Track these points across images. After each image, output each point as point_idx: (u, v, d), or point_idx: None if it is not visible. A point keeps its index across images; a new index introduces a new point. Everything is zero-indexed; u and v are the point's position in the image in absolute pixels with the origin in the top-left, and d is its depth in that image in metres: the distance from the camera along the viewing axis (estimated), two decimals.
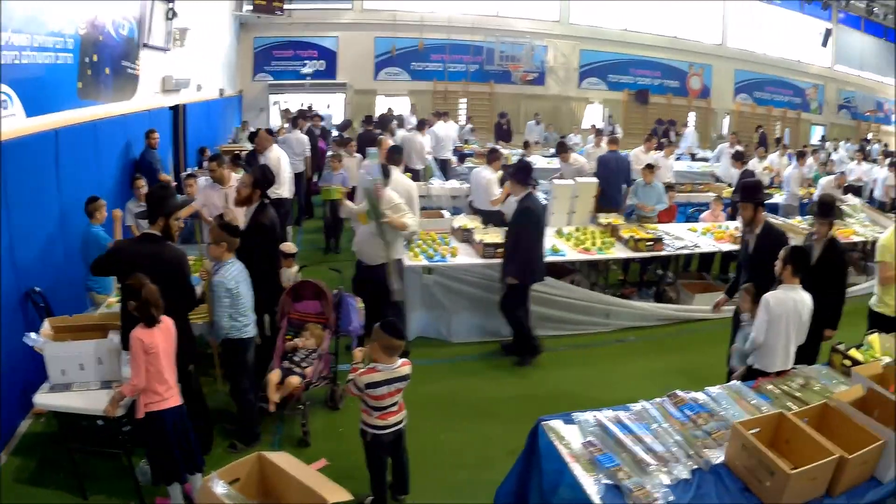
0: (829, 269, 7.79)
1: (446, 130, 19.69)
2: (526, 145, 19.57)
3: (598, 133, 18.57)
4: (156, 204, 6.40)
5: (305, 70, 25.47)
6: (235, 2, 22.65)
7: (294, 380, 7.21)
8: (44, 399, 6.13)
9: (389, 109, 23.30)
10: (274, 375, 7.27)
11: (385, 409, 5.85)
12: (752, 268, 7.72)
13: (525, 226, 9.24)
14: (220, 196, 9.67)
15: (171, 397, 5.75)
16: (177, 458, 5.80)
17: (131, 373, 5.60)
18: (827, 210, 8.01)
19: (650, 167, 13.50)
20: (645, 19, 29.40)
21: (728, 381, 6.93)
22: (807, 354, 7.32)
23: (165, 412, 5.69)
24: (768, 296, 6.61)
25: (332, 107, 25.49)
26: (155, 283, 5.64)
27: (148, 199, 6.60)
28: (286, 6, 22.70)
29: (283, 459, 4.89)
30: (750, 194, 8.08)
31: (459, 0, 26.39)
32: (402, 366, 5.84)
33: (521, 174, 9.39)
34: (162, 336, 5.64)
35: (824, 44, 32.18)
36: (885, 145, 31.69)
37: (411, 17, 25.94)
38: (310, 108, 22.20)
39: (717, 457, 5.06)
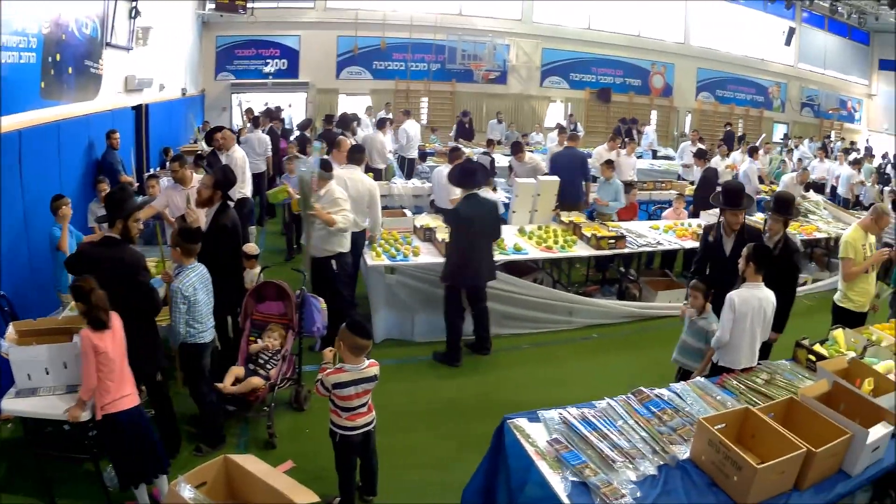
0: (782, 267, 7.76)
1: (414, 129, 19.70)
2: (489, 143, 19.62)
3: (562, 131, 18.60)
4: (114, 206, 6.35)
5: (267, 69, 25.27)
6: (198, 1, 22.48)
7: (255, 380, 7.19)
8: (10, 405, 6.01)
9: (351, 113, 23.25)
10: (235, 369, 7.29)
11: (354, 409, 5.83)
12: (734, 271, 7.65)
13: (455, 229, 9.22)
14: (183, 197, 9.55)
15: (127, 399, 5.70)
16: (138, 459, 5.75)
17: (83, 374, 5.55)
18: (784, 207, 8.01)
19: (609, 163, 13.61)
20: (607, 18, 29.51)
21: (677, 379, 6.98)
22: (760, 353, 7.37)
23: (121, 414, 5.65)
24: (733, 294, 6.65)
25: (292, 106, 25.32)
26: (116, 287, 5.63)
27: (106, 202, 6.52)
28: (249, 5, 22.51)
29: (249, 462, 4.85)
30: (736, 200, 8.02)
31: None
32: (370, 366, 5.82)
33: (463, 177, 9.35)
34: (112, 339, 5.59)
35: (788, 42, 32.45)
36: (852, 143, 32.10)
37: (374, 17, 25.81)
38: (278, 108, 22.07)
39: (683, 452, 5.09)
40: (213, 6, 22.45)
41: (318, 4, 25.47)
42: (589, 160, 15.08)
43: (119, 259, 6.08)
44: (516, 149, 14.91)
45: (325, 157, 9.95)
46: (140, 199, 7.17)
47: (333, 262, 9.16)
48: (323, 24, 25.50)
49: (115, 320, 5.68)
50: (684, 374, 7.32)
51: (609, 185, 13.52)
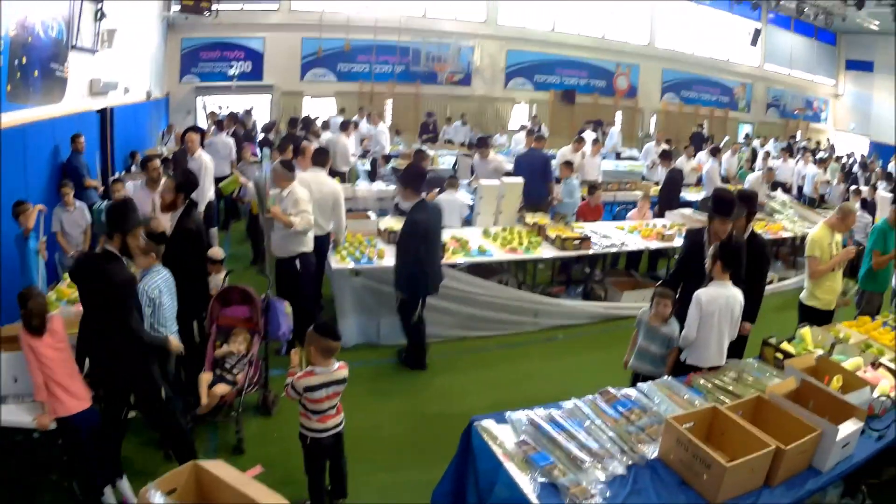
0: (753, 260, 7.63)
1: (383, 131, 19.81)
2: (450, 143, 19.72)
3: (530, 133, 18.63)
4: (116, 219, 5.98)
5: (232, 71, 25.10)
6: (163, 2, 22.28)
7: (220, 388, 7.14)
8: None
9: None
10: (205, 376, 7.23)
11: (324, 412, 5.83)
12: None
13: (413, 238, 8.98)
14: (149, 202, 9.48)
15: (77, 402, 5.67)
16: (96, 465, 5.69)
17: (31, 378, 5.51)
18: (723, 207, 7.48)
19: (567, 164, 13.69)
20: (572, 20, 29.69)
21: (633, 383, 6.97)
22: (734, 350, 7.37)
23: (73, 417, 5.64)
24: (700, 292, 6.65)
25: (254, 109, 25.20)
26: (103, 308, 5.61)
27: (108, 214, 6.17)
28: (214, 6, 22.30)
29: (219, 468, 4.80)
30: (727, 209, 7.51)
31: (387, 0, 26.27)
32: (339, 369, 5.85)
33: (414, 181, 9.15)
34: (51, 344, 5.58)
35: (754, 43, 32.81)
36: (818, 143, 32.51)
37: (338, 18, 25.72)
38: (247, 111, 21.99)
39: (651, 452, 5.09)
40: (178, 7, 22.22)
41: (283, 6, 25.37)
42: (553, 161, 15.09)
43: (110, 277, 5.76)
44: (482, 144, 14.88)
45: (287, 159, 9.89)
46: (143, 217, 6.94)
47: (297, 262, 9.12)
48: (287, 26, 25.41)
49: (57, 325, 5.68)
50: (642, 381, 7.22)
51: (565, 184, 13.66)
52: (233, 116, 19.51)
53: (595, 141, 19.49)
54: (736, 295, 6.69)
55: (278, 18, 25.35)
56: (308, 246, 9.27)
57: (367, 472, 6.88)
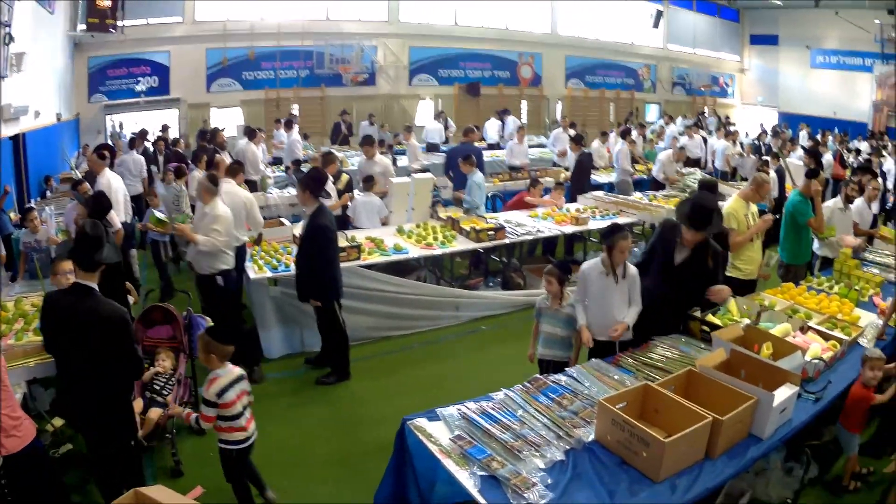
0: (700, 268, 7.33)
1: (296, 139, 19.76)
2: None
3: (469, 131, 18.63)
4: (90, 249, 5.62)
5: (139, 87, 24.65)
6: (70, 22, 21.79)
7: (154, 413, 7.00)
8: None
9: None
10: (137, 404, 7.02)
11: (240, 415, 5.91)
12: (681, 282, 7.24)
13: (324, 243, 8.82)
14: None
15: (17, 439, 5.44)
16: (42, 498, 5.52)
17: None
18: (700, 222, 7.04)
19: (466, 158, 13.58)
20: (474, 13, 29.91)
21: (542, 371, 7.07)
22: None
23: (17, 454, 5.36)
24: (584, 267, 6.90)
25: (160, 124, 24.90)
26: (90, 346, 5.36)
27: (83, 243, 5.69)
28: (119, 23, 21.84)
29: (160, 493, 4.71)
30: (703, 224, 6.96)
31: (289, 2, 26.12)
32: (234, 368, 6.01)
33: (312, 185, 8.91)
34: None
35: (656, 25, 33.52)
36: (727, 117, 33.24)
37: (242, 27, 25.47)
38: (164, 127, 21.67)
39: (588, 435, 5.10)
40: (83, 27, 21.77)
41: (187, 18, 24.99)
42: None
43: (93, 312, 5.45)
44: (367, 141, 14.52)
45: (212, 173, 9.76)
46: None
47: (219, 278, 8.98)
48: (192, 38, 25.03)
49: None
50: (555, 368, 7.06)
51: (469, 179, 13.50)
52: (143, 134, 19.15)
53: (520, 128, 19.93)
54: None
55: (182, 31, 24.94)
56: (229, 263, 9.15)
57: (304, 483, 6.90)
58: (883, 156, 18.99)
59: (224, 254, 9.01)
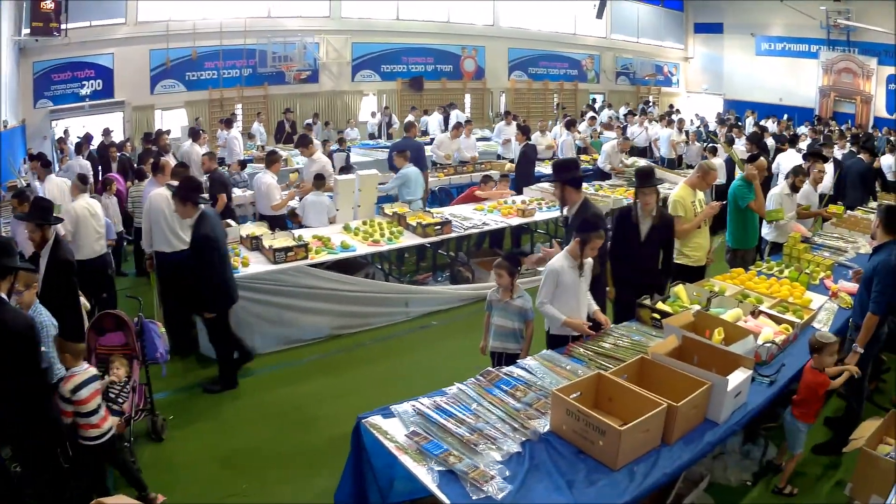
0: (665, 231, 8.17)
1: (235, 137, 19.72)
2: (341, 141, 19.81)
3: (411, 126, 18.60)
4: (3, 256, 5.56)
5: (84, 91, 24.29)
6: (14, 26, 21.42)
7: (111, 422, 6.91)
8: None
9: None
10: None
11: (95, 412, 6.02)
12: (647, 256, 7.96)
13: (211, 253, 8.62)
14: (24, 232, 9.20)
15: None
16: None
17: None
18: (647, 178, 8.28)
19: (401, 153, 13.67)
20: (416, 7, 29.95)
21: (494, 363, 7.09)
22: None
23: None
24: (552, 262, 6.81)
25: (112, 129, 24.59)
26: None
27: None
28: (63, 26, 21.51)
29: (120, 502, 4.68)
30: (646, 180, 8.23)
31: (231, 1, 25.86)
32: (89, 367, 6.15)
33: (187, 194, 8.72)
34: None
35: (599, 15, 33.73)
36: (671, 106, 33.62)
37: (184, 27, 25.12)
38: (107, 131, 21.28)
39: (543, 426, 5.14)
40: (27, 31, 21.42)
41: (130, 18, 24.64)
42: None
43: (10, 323, 5.29)
44: (302, 142, 14.25)
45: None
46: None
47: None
48: (135, 40, 24.62)
49: None
50: (507, 360, 7.13)
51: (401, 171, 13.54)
52: (88, 138, 19.02)
53: (468, 121, 20.07)
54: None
55: (126, 32, 24.53)
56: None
57: (264, 484, 6.89)
58: (834, 144, 19.17)
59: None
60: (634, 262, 7.89)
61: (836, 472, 6.97)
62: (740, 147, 17.41)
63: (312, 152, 13.94)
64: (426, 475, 4.59)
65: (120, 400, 7.05)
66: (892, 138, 24.37)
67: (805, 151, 14.92)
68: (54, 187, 11.89)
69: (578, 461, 4.75)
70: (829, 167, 13.93)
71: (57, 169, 15.99)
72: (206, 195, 10.25)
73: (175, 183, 9.74)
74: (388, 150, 16.84)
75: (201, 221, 8.60)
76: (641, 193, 8.13)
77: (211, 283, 8.58)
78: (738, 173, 10.70)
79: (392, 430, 5.17)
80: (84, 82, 24.08)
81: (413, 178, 13.45)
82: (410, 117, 24.44)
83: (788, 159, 15.44)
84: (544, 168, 17.12)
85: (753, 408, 5.56)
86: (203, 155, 14.51)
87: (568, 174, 8.04)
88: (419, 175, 13.68)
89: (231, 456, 7.30)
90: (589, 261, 6.95)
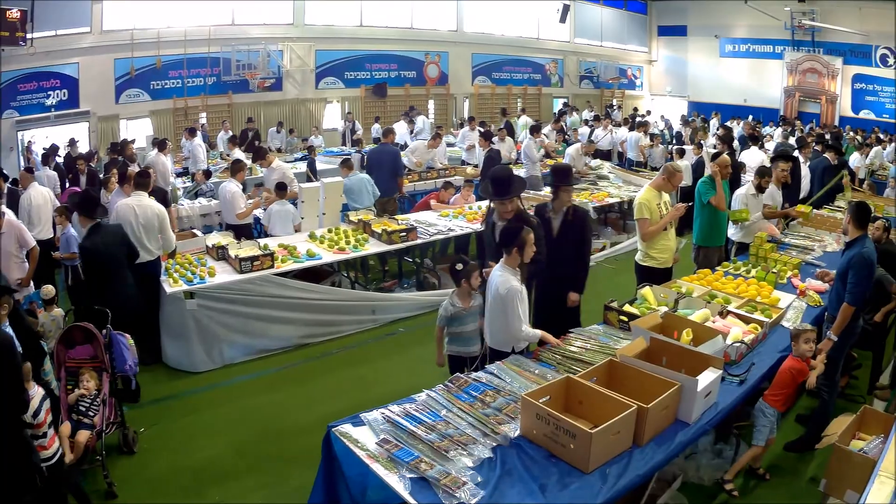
0: (577, 232, 8.20)
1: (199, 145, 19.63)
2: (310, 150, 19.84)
3: (389, 132, 18.62)
4: None
5: (50, 101, 24.07)
6: None
7: (82, 436, 6.82)
8: None
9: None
10: (65, 428, 6.87)
11: (46, 434, 5.92)
12: (559, 250, 7.92)
13: (86, 267, 8.76)
14: None
15: None
16: None
17: None
18: (563, 177, 8.35)
19: (345, 162, 13.85)
20: (379, 13, 29.86)
21: (453, 369, 7.19)
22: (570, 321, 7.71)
23: None
24: (509, 284, 6.62)
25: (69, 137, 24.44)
26: None
27: None
28: (28, 35, 21.35)
29: None
30: (565, 178, 8.30)
31: (195, 4, 25.67)
32: (39, 388, 6.00)
33: (86, 206, 8.81)
34: None
35: (562, 20, 33.87)
36: (635, 109, 33.86)
37: (148, 35, 24.92)
38: (72, 141, 21.23)
39: (513, 430, 5.16)
40: None
41: (95, 27, 24.43)
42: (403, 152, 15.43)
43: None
44: (259, 155, 14.40)
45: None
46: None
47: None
48: (100, 48, 24.35)
49: None
50: (470, 362, 7.25)
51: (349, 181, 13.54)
52: (54, 149, 18.92)
53: (440, 129, 20.58)
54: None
55: (91, 41, 24.28)
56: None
57: (237, 494, 6.89)
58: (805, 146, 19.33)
59: None
60: (549, 254, 7.83)
61: (808, 468, 7.07)
62: (708, 149, 17.58)
63: (271, 161, 13.96)
64: (398, 483, 4.59)
65: (91, 413, 7.02)
66: (858, 137, 24.80)
67: (772, 152, 15.20)
68: (38, 195, 11.87)
69: (550, 465, 4.77)
70: (806, 168, 14.24)
71: None
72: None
73: (143, 193, 9.81)
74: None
75: (88, 233, 8.72)
76: (556, 191, 8.25)
77: (101, 295, 8.40)
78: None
79: (362, 438, 5.16)
80: (50, 92, 23.81)
81: (356, 188, 13.48)
82: (375, 125, 24.47)
83: (752, 157, 15.74)
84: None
85: (724, 407, 5.61)
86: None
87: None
88: (364, 183, 13.67)
89: (203, 467, 7.29)
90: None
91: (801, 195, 13.77)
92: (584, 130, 25.42)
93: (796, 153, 14.44)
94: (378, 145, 15.28)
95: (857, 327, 7.22)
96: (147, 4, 24.64)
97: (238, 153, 17.02)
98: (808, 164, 14.69)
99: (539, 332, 6.71)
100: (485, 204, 13.29)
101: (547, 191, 15.09)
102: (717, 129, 23.57)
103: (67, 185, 16.48)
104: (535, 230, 7.05)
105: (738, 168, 14.41)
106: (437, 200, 14.31)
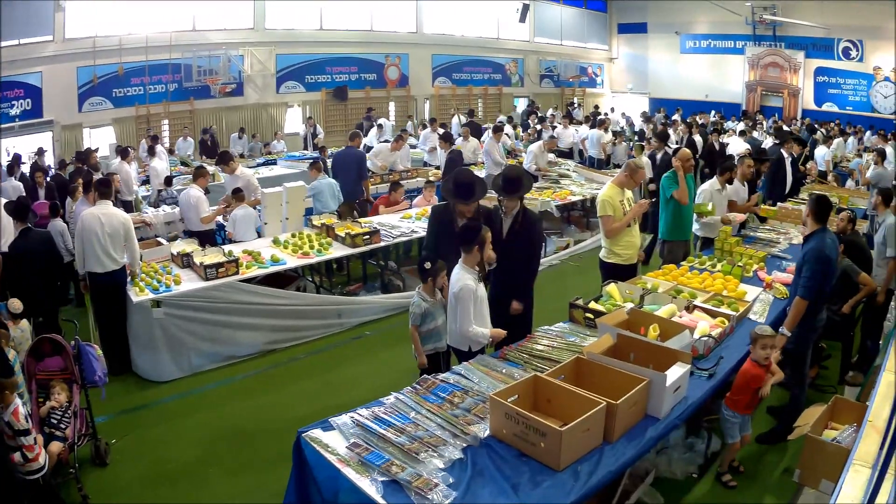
0: (525, 239, 8.03)
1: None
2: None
3: (356, 136, 18.64)
4: None
5: (14, 111, 23.85)
6: None
7: (55, 447, 6.76)
8: None
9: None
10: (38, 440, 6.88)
11: (35, 443, 5.95)
12: (508, 252, 7.79)
13: (12, 269, 8.68)
14: None
15: None
16: None
17: None
18: (512, 185, 8.05)
19: (314, 163, 13.96)
20: (339, 16, 29.86)
21: (422, 373, 7.07)
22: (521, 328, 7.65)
23: None
24: (464, 283, 6.68)
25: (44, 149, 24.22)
26: None
27: None
28: None
29: None
30: (510, 187, 8.00)
31: (156, 6, 25.40)
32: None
33: (18, 211, 9.02)
34: None
35: (522, 19, 34.02)
36: (596, 107, 34.09)
37: (110, 42, 24.78)
38: (40, 150, 21.04)
39: (483, 431, 5.16)
40: None
41: (57, 35, 24.24)
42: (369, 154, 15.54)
43: None
44: (223, 159, 14.10)
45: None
46: None
47: None
48: (62, 57, 24.14)
49: None
50: (436, 358, 7.33)
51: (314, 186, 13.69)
52: (17, 159, 18.61)
53: (403, 131, 20.49)
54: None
55: (54, 49, 24.08)
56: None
57: (212, 496, 6.92)
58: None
59: None
60: (498, 256, 7.80)
61: (781, 460, 7.16)
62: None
63: (234, 168, 13.76)
64: (370, 486, 4.58)
65: (62, 425, 7.00)
66: (823, 130, 25.08)
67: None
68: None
69: (521, 464, 4.78)
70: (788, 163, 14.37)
71: None
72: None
73: (107, 202, 9.77)
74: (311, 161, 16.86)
75: (18, 237, 8.99)
76: (505, 198, 8.07)
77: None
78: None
79: (333, 442, 5.15)
80: (14, 102, 23.61)
81: (326, 191, 13.57)
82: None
83: (736, 148, 16.03)
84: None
85: (694, 401, 5.66)
86: None
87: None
88: (332, 187, 13.76)
89: (176, 476, 7.27)
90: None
91: (786, 190, 13.90)
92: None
93: (781, 150, 14.50)
94: (345, 148, 15.22)
95: (820, 320, 7.26)
96: (109, 11, 24.49)
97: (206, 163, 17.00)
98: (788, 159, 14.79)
99: (487, 332, 6.76)
100: None
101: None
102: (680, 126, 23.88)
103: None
104: (494, 225, 7.13)
105: (714, 156, 14.57)
106: (385, 205, 14.26)
